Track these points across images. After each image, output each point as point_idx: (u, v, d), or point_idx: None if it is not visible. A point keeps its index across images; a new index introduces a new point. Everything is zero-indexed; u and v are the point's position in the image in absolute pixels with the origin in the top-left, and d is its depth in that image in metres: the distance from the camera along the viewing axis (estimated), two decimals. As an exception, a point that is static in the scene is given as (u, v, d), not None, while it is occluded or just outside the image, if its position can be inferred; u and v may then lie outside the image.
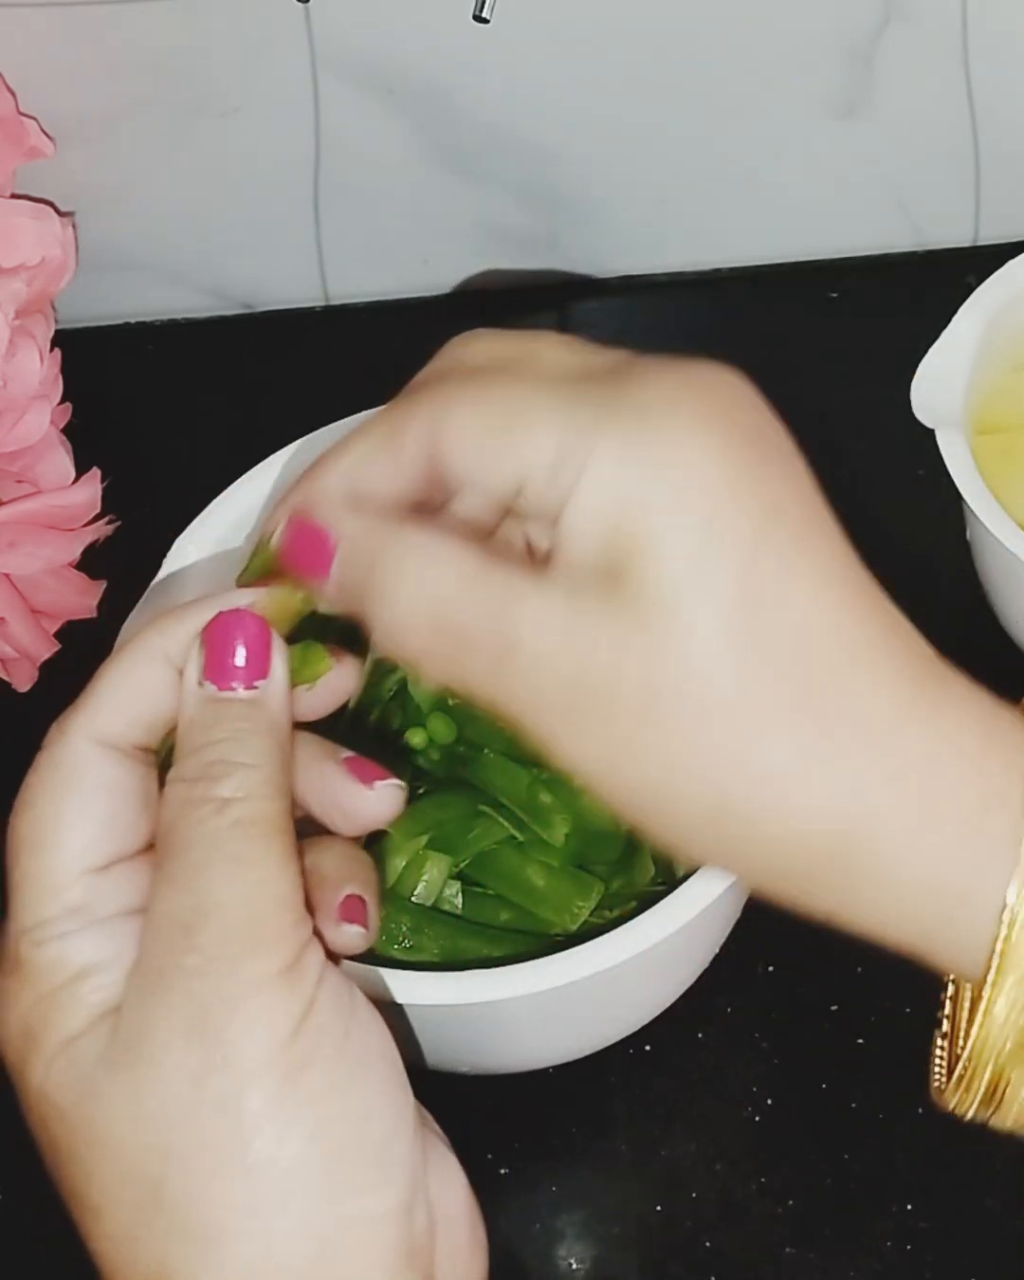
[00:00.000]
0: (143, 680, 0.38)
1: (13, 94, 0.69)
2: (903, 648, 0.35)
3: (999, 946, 0.35)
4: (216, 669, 0.37)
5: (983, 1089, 0.37)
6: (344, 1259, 0.34)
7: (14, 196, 0.68)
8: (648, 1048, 0.58)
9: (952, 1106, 0.38)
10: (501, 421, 0.35)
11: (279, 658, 0.37)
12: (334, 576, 0.37)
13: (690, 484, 0.34)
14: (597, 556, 0.34)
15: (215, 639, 0.37)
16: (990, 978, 0.36)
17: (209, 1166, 0.34)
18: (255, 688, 0.37)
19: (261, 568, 0.39)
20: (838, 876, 0.35)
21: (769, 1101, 0.58)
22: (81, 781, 0.37)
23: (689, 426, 0.34)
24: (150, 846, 0.37)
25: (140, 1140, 0.34)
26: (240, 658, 0.37)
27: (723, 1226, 0.55)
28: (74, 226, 0.71)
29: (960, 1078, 0.37)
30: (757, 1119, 0.57)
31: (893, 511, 0.70)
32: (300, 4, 0.68)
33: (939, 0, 0.71)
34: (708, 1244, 0.55)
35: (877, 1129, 0.57)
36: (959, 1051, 0.37)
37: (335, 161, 0.75)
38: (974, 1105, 0.38)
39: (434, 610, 0.35)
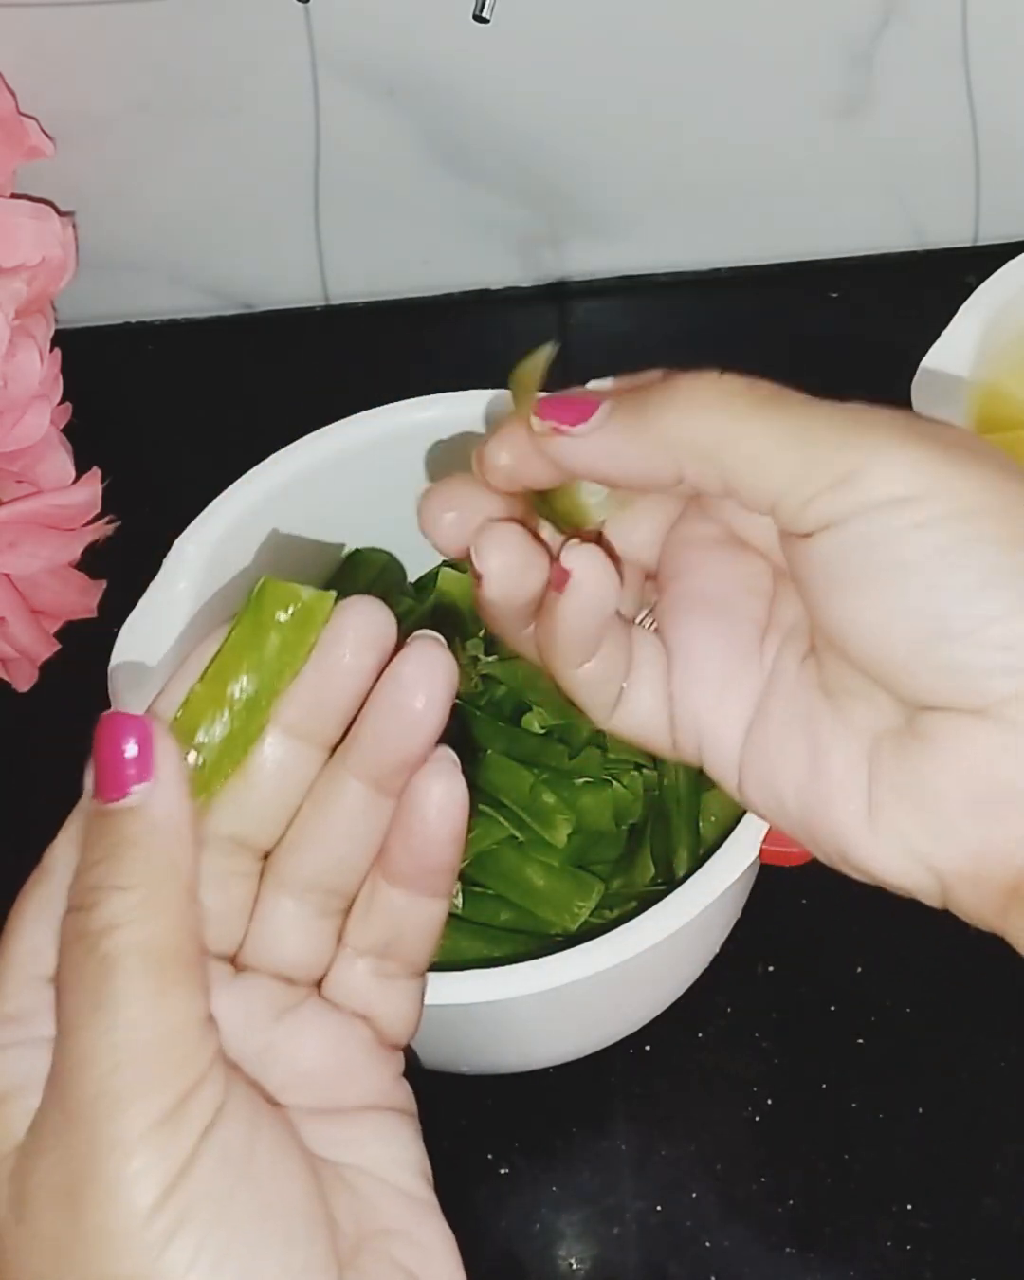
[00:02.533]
0: None
1: (13, 94, 0.69)
2: None
3: None
4: (102, 781, 0.34)
5: None
6: None
7: (14, 196, 0.68)
8: (648, 1048, 0.58)
9: None
10: (794, 437, 0.36)
11: (166, 759, 0.34)
12: (601, 412, 0.37)
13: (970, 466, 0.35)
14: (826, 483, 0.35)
15: (101, 744, 0.34)
16: None
17: None
18: (130, 794, 0.34)
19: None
20: None
21: (769, 1101, 0.58)
22: (50, 880, 0.35)
23: (960, 436, 0.36)
24: None
25: None
26: (123, 763, 0.34)
27: (723, 1226, 0.55)
28: (74, 226, 0.71)
29: None
30: (757, 1119, 0.57)
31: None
32: (300, 4, 0.68)
33: (939, 0, 0.71)
34: (708, 1244, 0.55)
35: (877, 1129, 0.57)
36: None
37: (335, 161, 0.75)
38: None
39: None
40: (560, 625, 0.38)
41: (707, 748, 0.40)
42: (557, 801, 0.54)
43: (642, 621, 0.41)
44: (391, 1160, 0.36)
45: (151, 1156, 0.32)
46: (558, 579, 0.38)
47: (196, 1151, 0.32)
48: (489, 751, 0.55)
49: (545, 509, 0.40)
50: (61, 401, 0.69)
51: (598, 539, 0.40)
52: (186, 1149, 0.32)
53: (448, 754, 0.36)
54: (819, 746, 0.37)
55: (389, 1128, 0.37)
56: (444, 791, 0.36)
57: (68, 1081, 0.32)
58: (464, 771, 0.56)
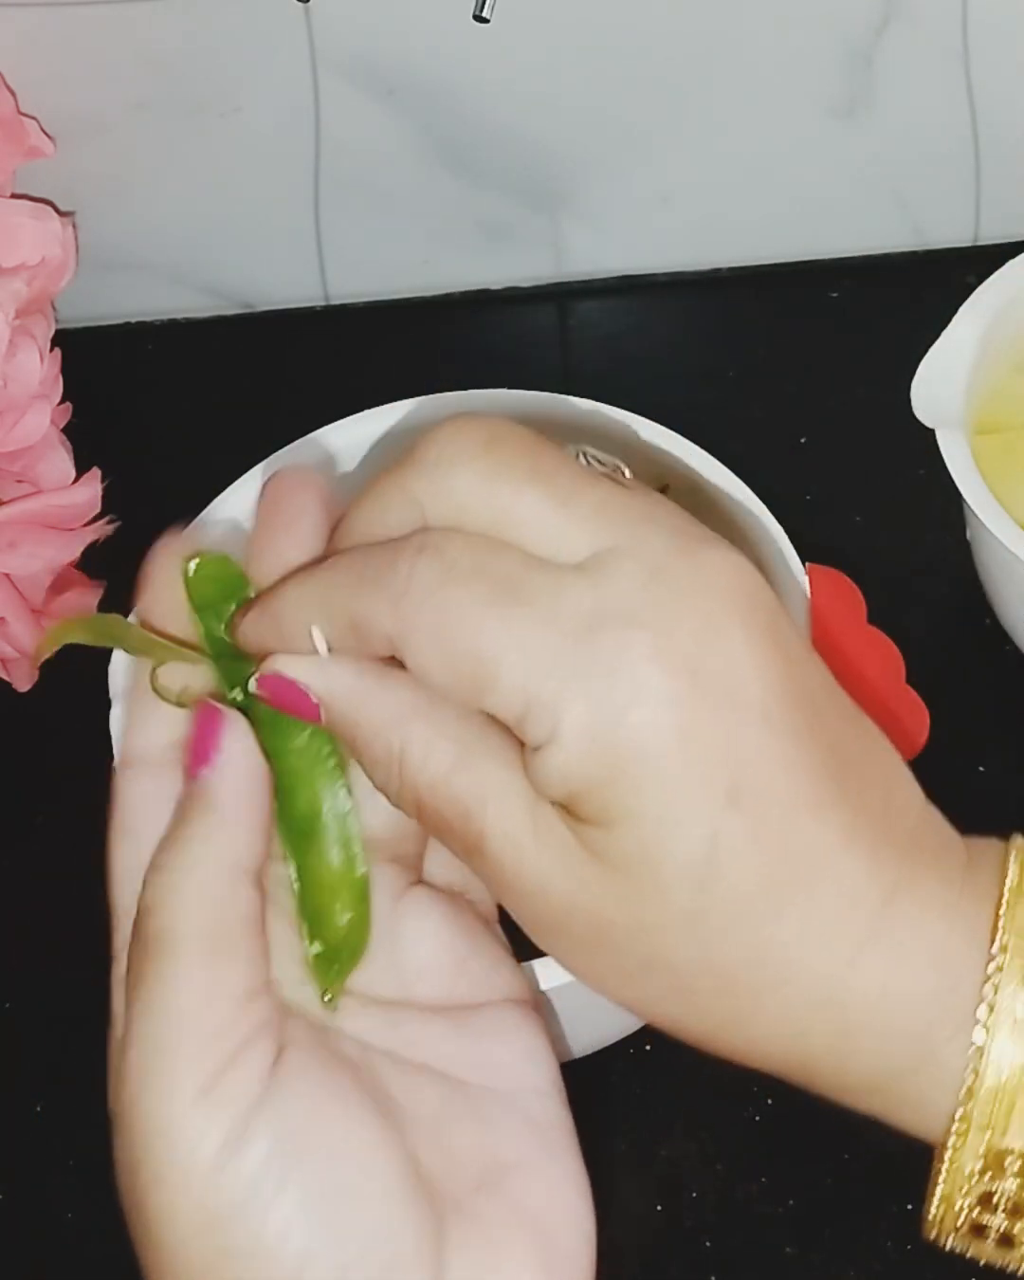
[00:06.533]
0: None
1: (13, 94, 0.69)
2: (864, 862, 0.34)
3: (949, 1140, 0.37)
4: (188, 762, 0.35)
5: (958, 1244, 0.38)
6: None
7: (14, 196, 0.68)
8: (648, 1047, 0.58)
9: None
10: (467, 667, 0.33)
11: (231, 737, 0.35)
12: (325, 725, 0.36)
13: (652, 758, 0.33)
14: (562, 795, 0.34)
15: (193, 735, 0.36)
16: (943, 1169, 0.37)
17: None
18: (196, 777, 0.35)
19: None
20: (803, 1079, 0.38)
21: (769, 1101, 0.58)
22: (132, 840, 0.36)
23: (657, 695, 0.33)
24: None
25: None
26: (194, 750, 0.35)
27: (723, 1226, 0.55)
28: (74, 226, 0.71)
29: (932, 1232, 0.39)
30: (757, 1119, 0.57)
31: (893, 511, 0.70)
32: (300, 4, 0.68)
33: (939, 0, 0.71)
34: (708, 1244, 0.55)
35: (877, 1129, 0.57)
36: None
37: (335, 161, 0.75)
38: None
39: (416, 797, 0.35)
40: None
41: None
42: None
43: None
44: (519, 1068, 0.37)
45: (198, 1125, 0.32)
46: None
47: (250, 1120, 0.33)
48: None
49: None
50: (61, 401, 0.69)
51: None
52: (232, 1116, 0.33)
53: None
54: None
55: (511, 1023, 0.38)
56: None
57: (118, 1062, 0.34)
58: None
